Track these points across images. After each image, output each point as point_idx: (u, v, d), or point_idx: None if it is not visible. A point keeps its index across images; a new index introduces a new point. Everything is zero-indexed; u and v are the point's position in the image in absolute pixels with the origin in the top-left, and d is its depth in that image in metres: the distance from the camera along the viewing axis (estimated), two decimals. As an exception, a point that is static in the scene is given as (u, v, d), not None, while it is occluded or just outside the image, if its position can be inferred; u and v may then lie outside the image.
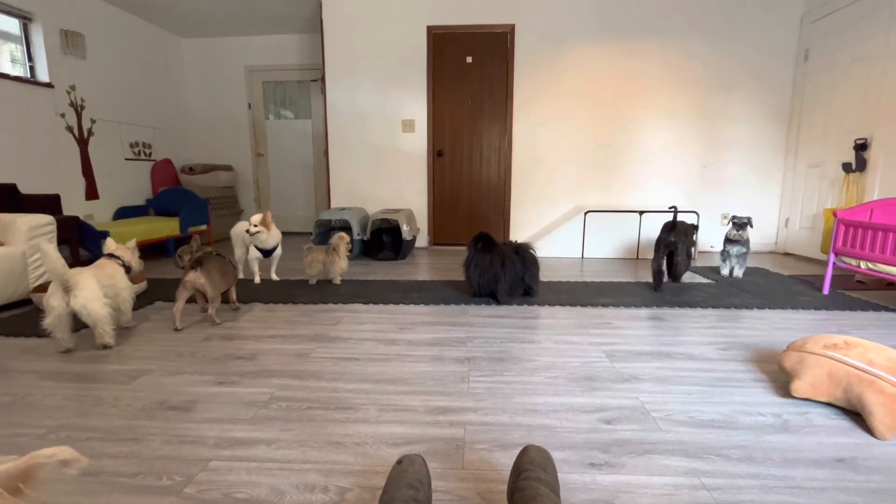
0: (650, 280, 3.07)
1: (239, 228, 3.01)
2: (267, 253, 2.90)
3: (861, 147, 3.29)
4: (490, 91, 4.27)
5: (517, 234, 4.45)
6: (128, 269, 2.07)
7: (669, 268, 2.90)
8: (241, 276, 3.08)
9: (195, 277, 2.02)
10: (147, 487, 1.00)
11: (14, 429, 1.24)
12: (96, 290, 1.79)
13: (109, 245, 2.08)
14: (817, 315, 2.29)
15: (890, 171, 3.11)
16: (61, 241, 3.03)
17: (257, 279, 2.97)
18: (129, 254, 2.11)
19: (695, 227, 2.98)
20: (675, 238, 2.70)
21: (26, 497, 0.58)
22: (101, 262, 1.99)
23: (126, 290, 2.00)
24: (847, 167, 3.41)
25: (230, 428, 1.24)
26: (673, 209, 2.77)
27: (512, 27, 4.12)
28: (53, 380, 1.55)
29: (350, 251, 2.99)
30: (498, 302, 2.50)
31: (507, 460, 1.10)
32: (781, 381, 1.52)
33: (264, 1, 4.24)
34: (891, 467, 1.07)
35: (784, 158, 4.17)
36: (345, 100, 4.37)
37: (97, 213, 4.11)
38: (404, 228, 3.77)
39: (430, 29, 4.17)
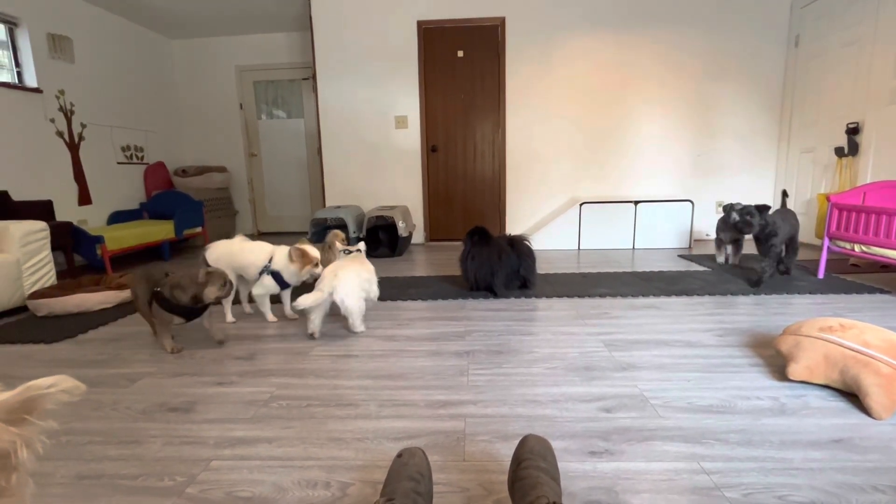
0: (646, 269, 3.07)
1: (223, 250, 2.12)
2: (286, 285, 2.16)
3: (853, 131, 3.30)
4: (482, 85, 4.26)
5: (513, 228, 4.45)
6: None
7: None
8: (230, 318, 2.19)
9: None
10: (149, 489, 1.00)
11: (13, 435, 1.23)
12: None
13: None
14: (813, 299, 2.30)
15: (882, 154, 3.12)
16: (56, 248, 3.01)
17: (271, 316, 2.16)
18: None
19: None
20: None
21: (34, 428, 0.55)
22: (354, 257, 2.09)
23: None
24: (839, 151, 3.42)
25: (231, 427, 1.24)
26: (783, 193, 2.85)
27: (502, 20, 4.10)
28: (52, 385, 1.54)
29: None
30: (495, 295, 2.51)
31: (507, 451, 1.10)
32: (778, 365, 1.53)
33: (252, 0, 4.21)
34: (888, 446, 1.09)
35: (777, 144, 4.19)
36: (337, 97, 4.35)
37: (91, 218, 4.08)
38: (400, 225, 3.77)
39: (420, 24, 4.15)
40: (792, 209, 2.79)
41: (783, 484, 0.96)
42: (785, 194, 2.90)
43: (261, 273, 2.08)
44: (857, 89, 3.32)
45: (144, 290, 1.79)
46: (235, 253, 2.11)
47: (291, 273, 2.08)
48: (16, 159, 3.40)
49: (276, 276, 2.08)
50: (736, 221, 2.50)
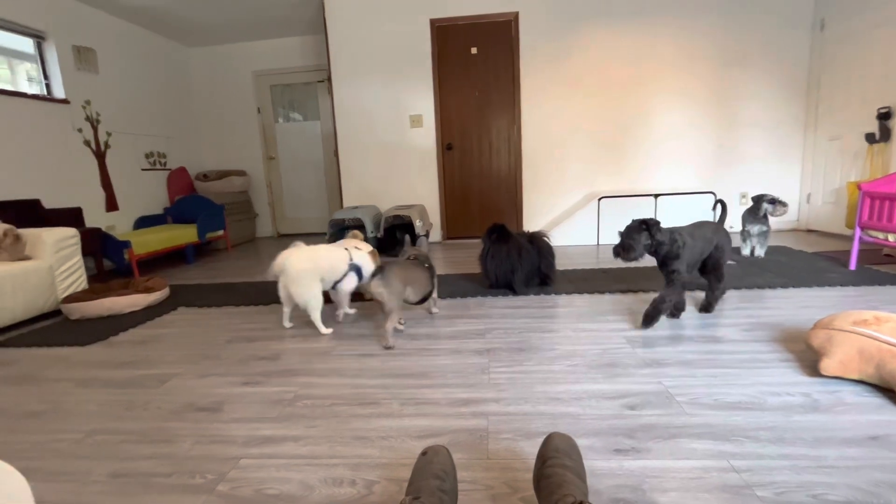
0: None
1: (309, 256, 1.99)
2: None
3: (885, 116, 3.18)
4: (496, 81, 4.23)
5: (531, 224, 4.42)
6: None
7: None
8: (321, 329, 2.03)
9: (374, 286, 1.79)
10: (181, 486, 1.03)
11: (53, 434, 1.29)
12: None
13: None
14: (844, 292, 2.23)
15: (916, 139, 2.99)
16: (86, 253, 3.11)
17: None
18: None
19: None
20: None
21: None
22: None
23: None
24: (870, 138, 3.29)
25: (258, 426, 1.27)
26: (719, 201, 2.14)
27: (516, 15, 4.07)
28: (86, 387, 1.60)
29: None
30: (515, 293, 2.50)
31: (531, 449, 1.10)
32: (809, 361, 1.49)
33: (267, 5, 4.27)
34: (928, 443, 1.05)
35: (803, 133, 4.05)
36: (352, 99, 4.38)
37: (118, 224, 4.21)
38: (417, 224, 3.78)
39: (433, 22, 4.15)
40: (723, 225, 2.00)
41: (818, 482, 0.93)
42: (722, 204, 2.11)
43: (349, 271, 2.11)
44: (888, 72, 3.19)
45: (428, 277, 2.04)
46: (322, 258, 2.03)
47: (370, 267, 2.17)
48: (46, 168, 3.53)
49: (358, 272, 2.14)
50: (614, 246, 1.82)
